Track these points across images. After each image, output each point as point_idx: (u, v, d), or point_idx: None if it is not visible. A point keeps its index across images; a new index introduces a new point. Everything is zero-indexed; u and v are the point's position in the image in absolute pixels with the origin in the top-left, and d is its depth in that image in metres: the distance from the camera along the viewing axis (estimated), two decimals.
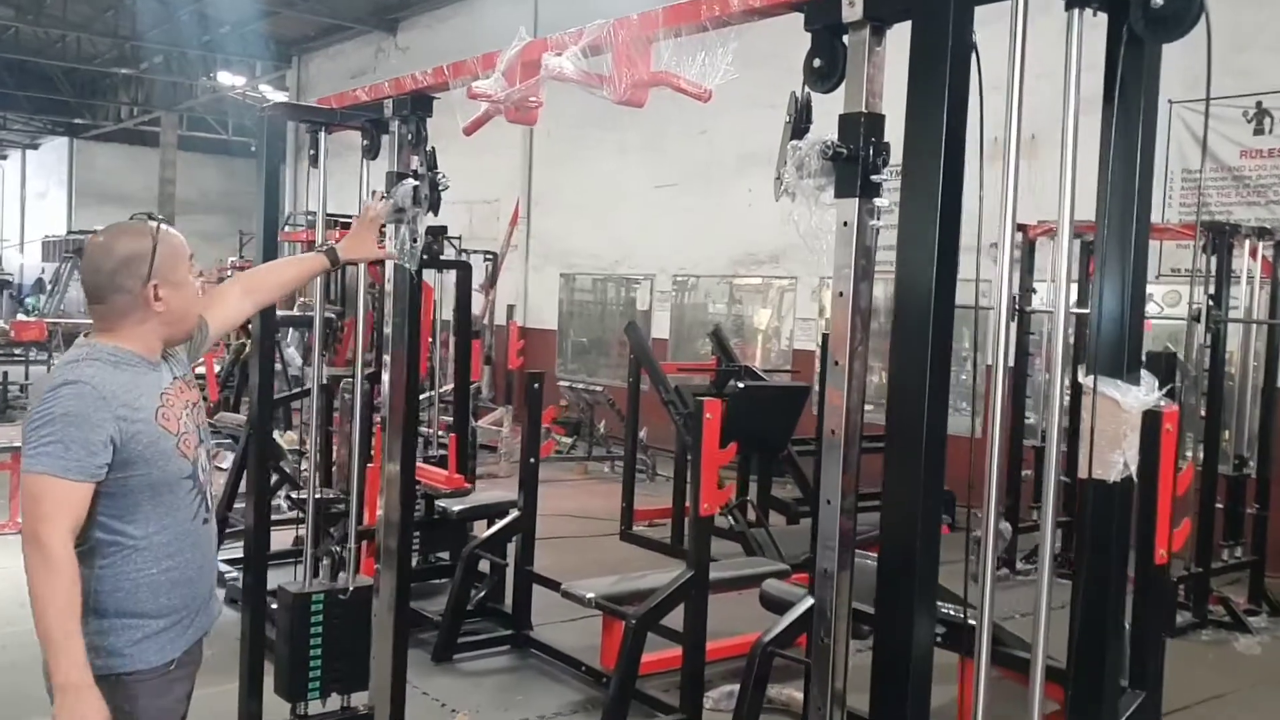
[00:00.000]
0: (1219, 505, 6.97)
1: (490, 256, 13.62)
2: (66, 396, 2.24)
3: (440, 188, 3.51)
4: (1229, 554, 7.08)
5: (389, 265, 3.83)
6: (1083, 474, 2.12)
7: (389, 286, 3.88)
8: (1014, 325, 6.86)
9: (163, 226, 2.40)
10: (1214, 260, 6.78)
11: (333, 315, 8.08)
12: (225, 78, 22.30)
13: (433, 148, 3.58)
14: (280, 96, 23.60)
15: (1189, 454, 6.64)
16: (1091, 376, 2.11)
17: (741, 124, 11.40)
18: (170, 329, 2.43)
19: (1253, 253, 7.07)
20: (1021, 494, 7.51)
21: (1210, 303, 6.70)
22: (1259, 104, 8.38)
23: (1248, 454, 7.26)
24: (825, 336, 3.51)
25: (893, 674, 1.96)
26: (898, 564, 2.00)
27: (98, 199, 30.36)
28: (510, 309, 14.86)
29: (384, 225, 3.77)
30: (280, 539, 5.35)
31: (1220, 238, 6.80)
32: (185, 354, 2.61)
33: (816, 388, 9.75)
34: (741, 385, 6.91)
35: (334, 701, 4.09)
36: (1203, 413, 6.84)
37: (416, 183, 3.54)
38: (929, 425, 1.93)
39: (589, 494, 9.87)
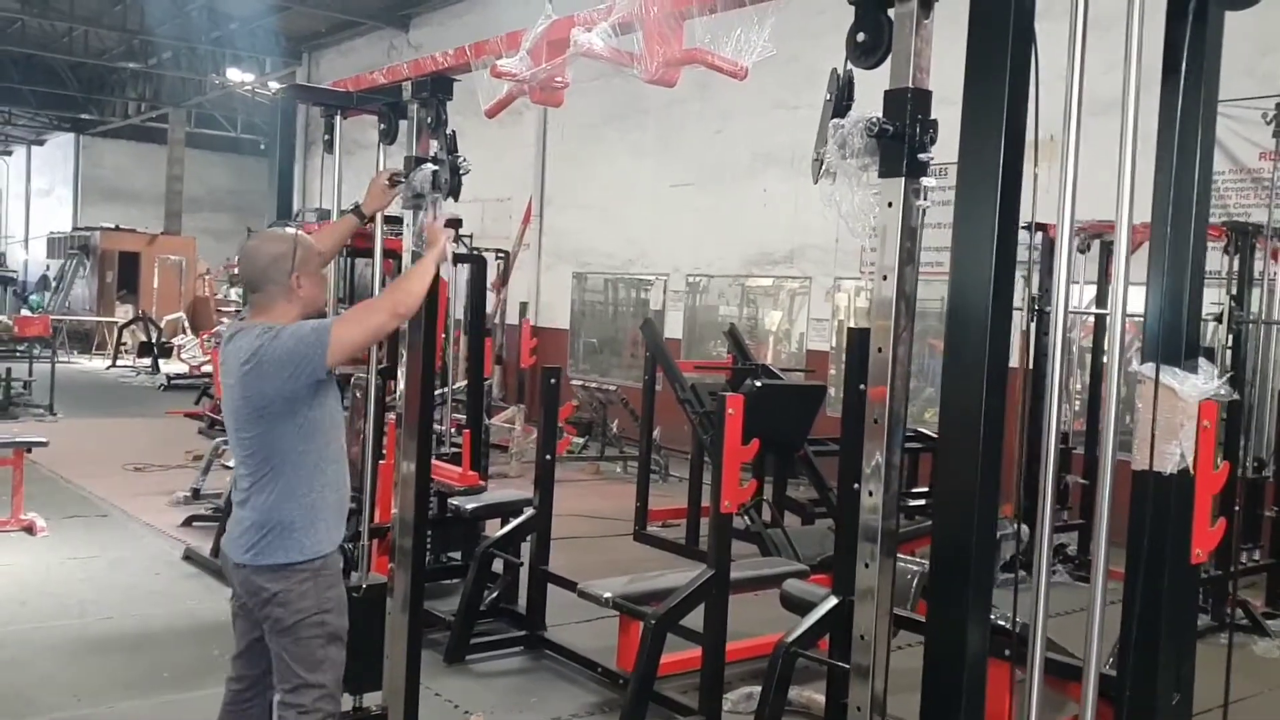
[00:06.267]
0: (1237, 508, 6.86)
1: (502, 255, 13.55)
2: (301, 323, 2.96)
3: (461, 172, 3.43)
4: (1247, 557, 6.98)
5: (405, 257, 3.75)
6: (1140, 466, 2.03)
7: None
8: (1033, 326, 6.76)
9: (299, 233, 3.12)
10: (1236, 261, 6.69)
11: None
12: (234, 74, 22.22)
13: (453, 130, 3.50)
14: None
15: None
16: (1150, 364, 2.01)
17: (757, 124, 11.32)
18: (307, 309, 3.07)
19: (1274, 254, 6.96)
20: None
21: (1232, 304, 6.60)
22: (1279, 106, 8.25)
23: (1266, 457, 7.16)
24: (854, 330, 3.40)
25: (946, 683, 1.86)
26: (952, 571, 1.89)
27: (104, 196, 30.31)
28: (523, 307, 14.77)
29: (402, 212, 3.71)
30: None
31: (1243, 239, 6.70)
32: None
33: (832, 390, 9.68)
34: (759, 384, 6.80)
35: (346, 701, 4.00)
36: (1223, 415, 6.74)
37: (435, 167, 3.46)
38: (986, 426, 1.82)
39: (601, 494, 9.78)
